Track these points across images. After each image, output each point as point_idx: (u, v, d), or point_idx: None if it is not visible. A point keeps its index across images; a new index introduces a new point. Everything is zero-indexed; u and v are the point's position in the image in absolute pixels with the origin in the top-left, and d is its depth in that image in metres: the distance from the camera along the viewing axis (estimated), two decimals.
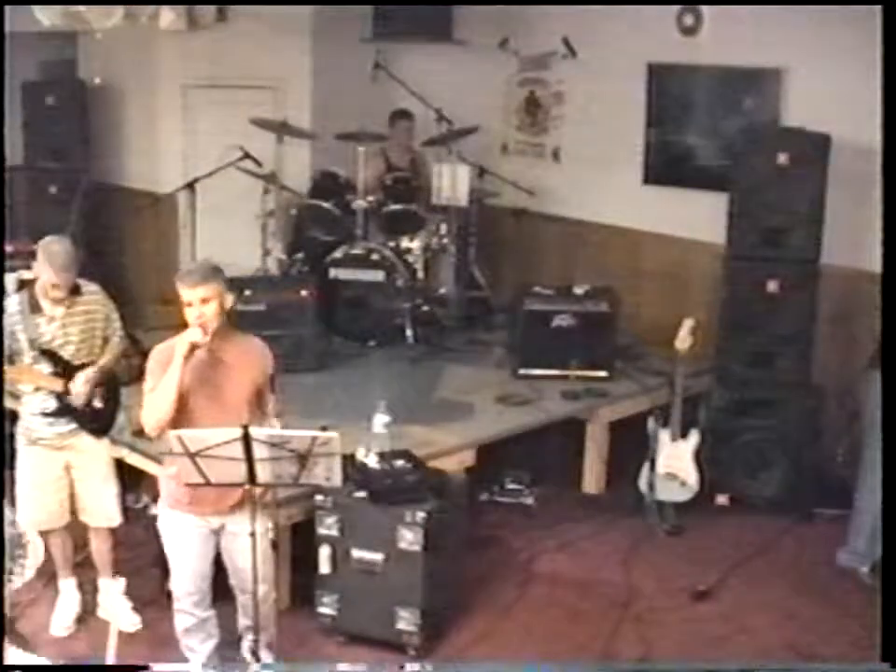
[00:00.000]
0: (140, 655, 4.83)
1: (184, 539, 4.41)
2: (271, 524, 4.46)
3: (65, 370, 4.80)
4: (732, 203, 6.31)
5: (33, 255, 6.56)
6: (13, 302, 4.76)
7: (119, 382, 5.16)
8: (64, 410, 4.84)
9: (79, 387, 4.80)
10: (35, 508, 4.98)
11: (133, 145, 8.63)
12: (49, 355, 4.77)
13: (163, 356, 4.28)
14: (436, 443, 5.67)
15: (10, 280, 6.34)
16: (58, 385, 4.79)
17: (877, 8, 4.49)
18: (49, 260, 4.66)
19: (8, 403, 5.19)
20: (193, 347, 4.19)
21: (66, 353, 4.80)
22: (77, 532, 5.15)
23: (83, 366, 4.84)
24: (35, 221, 7.93)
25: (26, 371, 4.78)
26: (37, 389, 4.84)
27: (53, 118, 8.18)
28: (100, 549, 5.16)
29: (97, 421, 4.94)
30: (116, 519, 5.09)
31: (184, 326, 4.26)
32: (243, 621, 4.60)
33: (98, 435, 4.96)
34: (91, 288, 4.91)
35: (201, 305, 4.20)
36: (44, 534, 5.11)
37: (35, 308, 4.75)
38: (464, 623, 5.19)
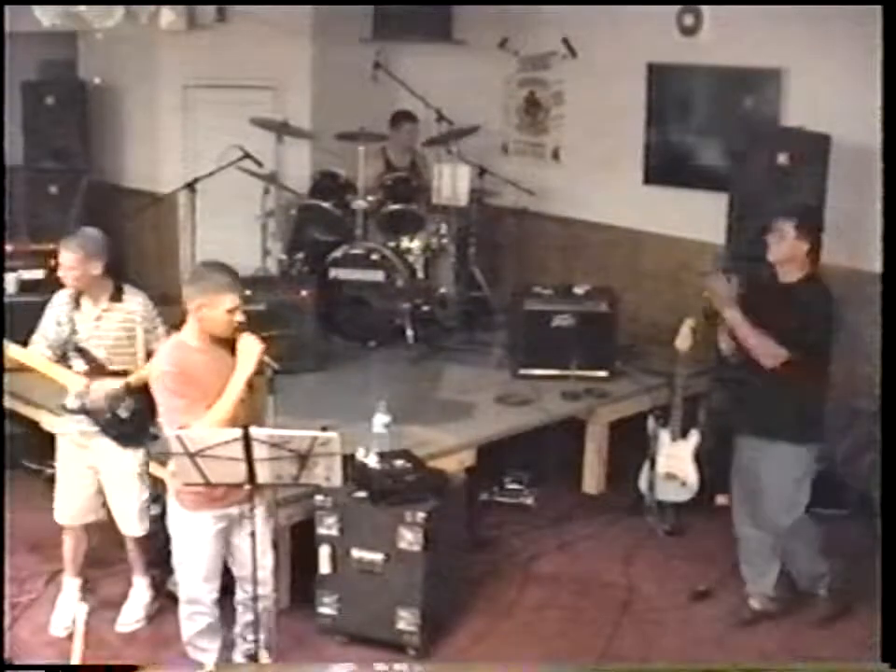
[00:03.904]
0: (140, 655, 4.84)
1: (202, 538, 4.38)
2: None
3: (94, 369, 4.81)
4: (732, 202, 6.30)
5: (33, 255, 6.61)
6: (62, 295, 4.85)
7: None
8: (81, 410, 4.85)
9: (95, 391, 4.78)
10: (63, 500, 5.05)
11: (133, 145, 8.64)
12: (83, 352, 4.81)
13: (177, 365, 4.26)
14: (436, 443, 5.67)
15: (10, 280, 6.35)
16: (77, 382, 4.78)
17: (877, 8, 4.49)
18: (65, 243, 4.73)
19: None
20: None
21: (99, 353, 4.82)
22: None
23: (115, 373, 4.82)
24: (35, 221, 7.94)
25: (41, 364, 4.79)
26: None
27: (53, 118, 8.19)
28: (129, 550, 5.17)
29: (120, 430, 4.89)
30: (137, 530, 5.06)
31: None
32: (242, 618, 4.60)
33: (123, 444, 4.92)
34: (136, 297, 4.95)
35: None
36: (65, 529, 5.11)
37: (76, 305, 4.83)
38: (464, 622, 5.18)
